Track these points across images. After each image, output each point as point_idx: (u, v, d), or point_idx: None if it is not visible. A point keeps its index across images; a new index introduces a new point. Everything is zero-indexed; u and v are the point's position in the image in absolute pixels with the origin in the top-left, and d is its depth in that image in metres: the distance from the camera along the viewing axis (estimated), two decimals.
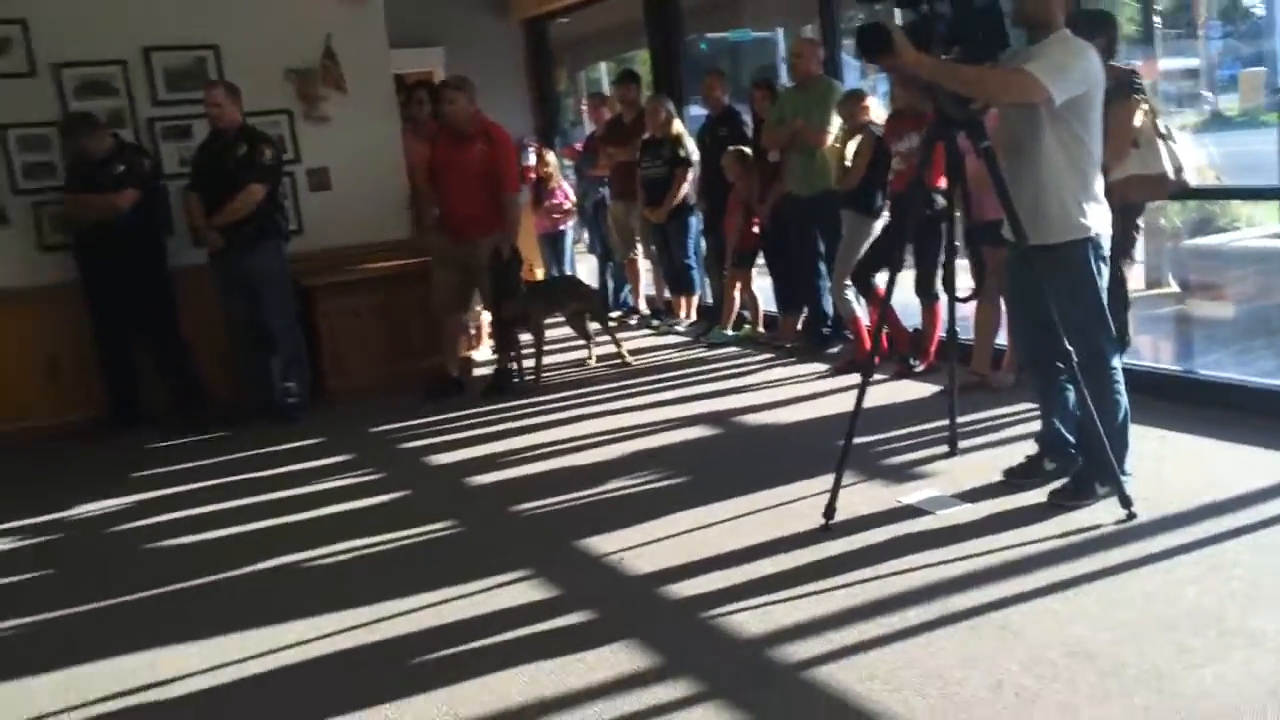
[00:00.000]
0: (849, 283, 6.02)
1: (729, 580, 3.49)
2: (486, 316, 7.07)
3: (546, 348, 6.66)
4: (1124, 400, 3.79)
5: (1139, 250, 5.30)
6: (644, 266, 8.38)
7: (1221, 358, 5.85)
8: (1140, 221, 4.82)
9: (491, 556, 3.89)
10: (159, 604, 3.82)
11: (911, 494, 4.08)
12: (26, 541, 4.61)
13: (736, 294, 7.24)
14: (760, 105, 6.86)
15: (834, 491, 3.81)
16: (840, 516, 3.81)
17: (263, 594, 3.82)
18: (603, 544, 3.90)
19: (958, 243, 4.59)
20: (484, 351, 7.31)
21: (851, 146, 5.99)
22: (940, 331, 5.64)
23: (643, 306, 8.47)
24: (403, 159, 7.04)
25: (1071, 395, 3.85)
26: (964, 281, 4.58)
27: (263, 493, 4.93)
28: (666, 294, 8.15)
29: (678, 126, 7.48)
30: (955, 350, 4.46)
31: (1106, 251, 3.75)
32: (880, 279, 5.64)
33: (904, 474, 4.34)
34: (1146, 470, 3.92)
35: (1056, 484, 3.89)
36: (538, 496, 4.53)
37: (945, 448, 4.45)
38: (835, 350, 6.52)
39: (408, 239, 7.03)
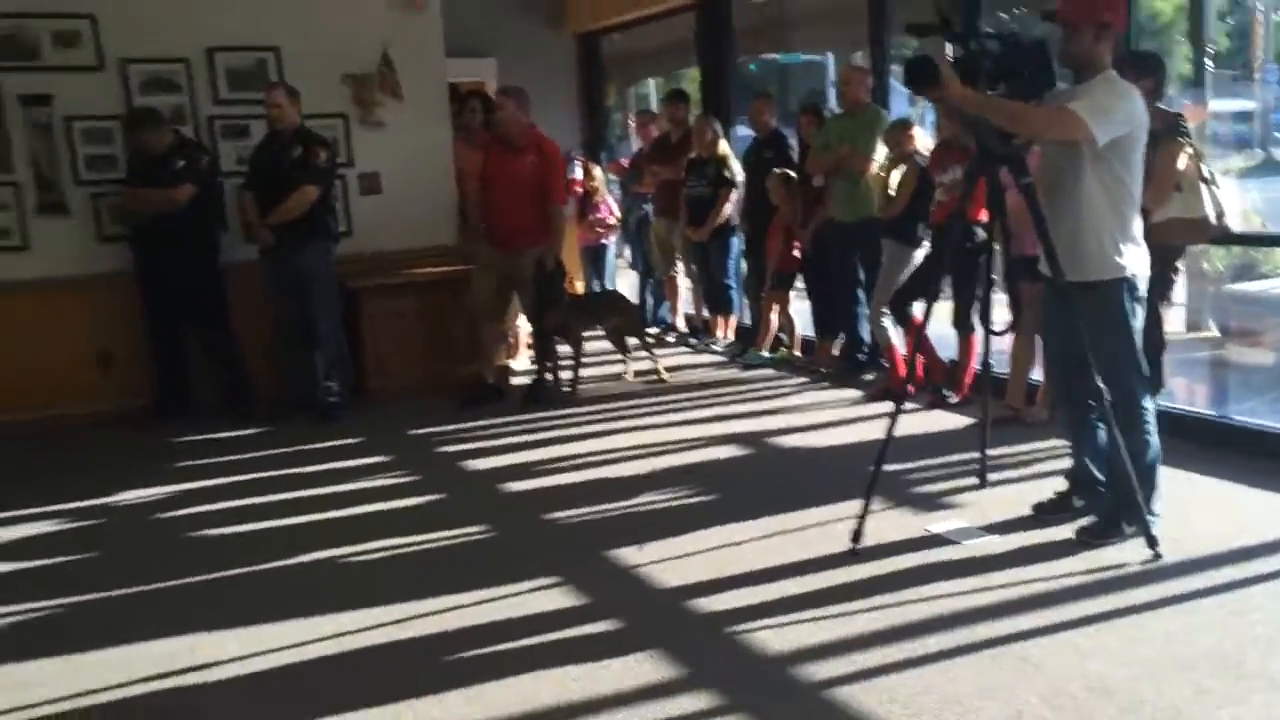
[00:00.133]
0: (886, 310, 6.07)
1: (755, 597, 3.55)
2: (526, 326, 7.17)
3: (584, 360, 6.75)
4: (1154, 441, 3.82)
5: (1178, 293, 5.33)
6: (684, 284, 8.47)
7: (1257, 405, 5.84)
8: (1180, 264, 4.86)
9: (524, 562, 3.97)
10: (198, 591, 3.93)
11: (939, 523, 4.13)
12: (72, 525, 4.73)
13: (774, 316, 7.30)
14: (807, 130, 6.93)
15: (862, 516, 3.88)
16: (867, 541, 3.87)
17: (300, 587, 3.92)
18: (633, 555, 3.98)
19: (995, 276, 4.65)
20: (522, 361, 7.40)
21: (896, 175, 6.04)
22: (975, 364, 5.68)
23: (680, 324, 8.55)
24: (452, 166, 7.17)
25: (1103, 433, 3.89)
26: (1000, 315, 4.62)
27: (302, 488, 5.04)
28: (705, 313, 8.22)
29: (724, 147, 7.56)
30: (989, 383, 4.50)
31: (1142, 292, 3.79)
32: (917, 308, 5.69)
33: (933, 503, 4.39)
34: (1175, 512, 3.94)
35: (1084, 521, 3.92)
36: (571, 506, 4.62)
37: (975, 479, 4.49)
38: (870, 377, 6.57)
39: (454, 245, 7.16)
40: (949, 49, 3.75)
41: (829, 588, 3.60)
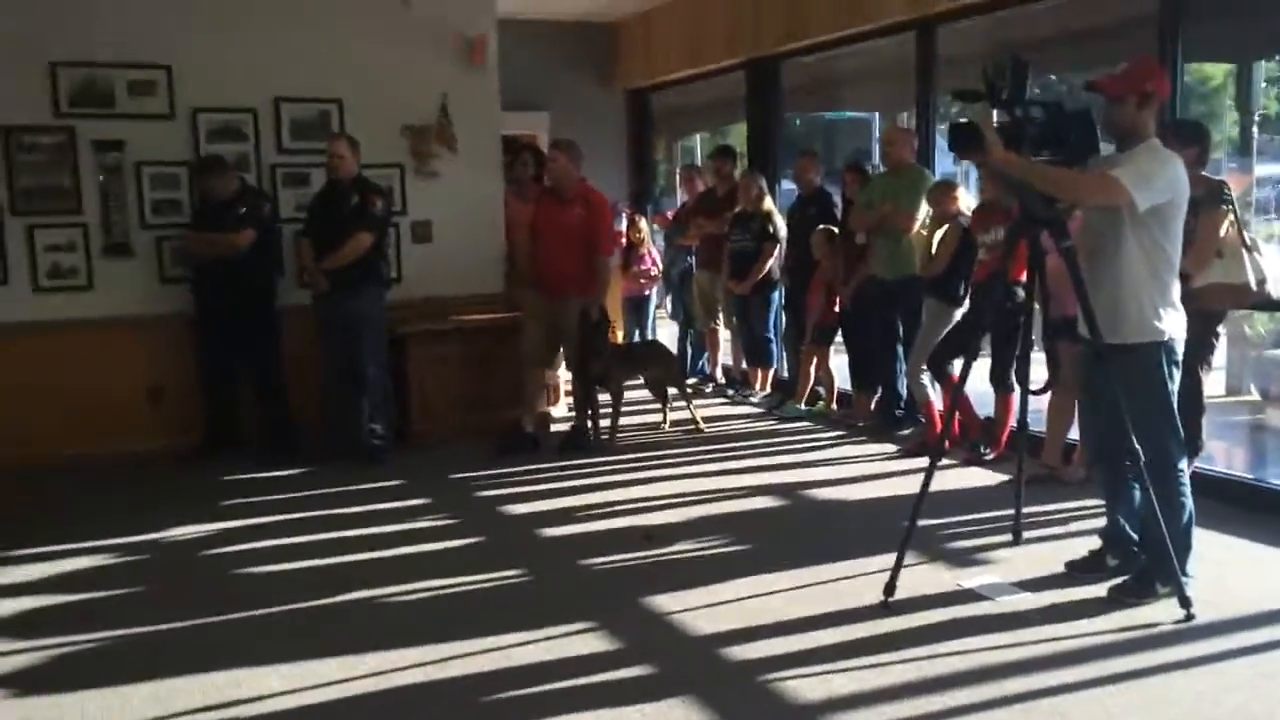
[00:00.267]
0: (925, 367, 6.12)
1: (789, 646, 3.61)
2: (565, 374, 7.28)
3: (623, 409, 6.85)
4: (1189, 503, 3.85)
5: (1219, 357, 5.34)
6: (724, 336, 8.57)
7: None
8: (1221, 329, 4.88)
9: (560, 606, 4.05)
10: (242, 626, 4.01)
11: (972, 579, 4.16)
12: (120, 560, 4.82)
13: (813, 370, 7.37)
14: (851, 188, 7.05)
15: (895, 570, 3.92)
16: (901, 595, 3.91)
17: (341, 625, 3.99)
18: (668, 602, 4.04)
19: (1034, 336, 4.70)
20: (561, 408, 7.51)
21: (939, 235, 6.12)
22: (1012, 422, 5.70)
23: (719, 375, 8.64)
24: (502, 217, 7.36)
25: (1138, 493, 3.92)
26: (1038, 374, 4.67)
27: (344, 528, 5.13)
28: (744, 365, 8.31)
29: (769, 203, 7.70)
30: (1025, 441, 4.55)
31: (1180, 356, 3.84)
32: (956, 366, 5.74)
33: (966, 559, 4.42)
34: (1209, 574, 3.95)
35: (1118, 580, 3.94)
36: (607, 552, 4.69)
37: (1009, 536, 4.52)
38: (906, 432, 6.61)
39: (500, 294, 7.32)
40: (994, 115, 3.84)
41: (861, 639, 3.64)
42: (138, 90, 6.50)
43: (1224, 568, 4.14)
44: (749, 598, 4.06)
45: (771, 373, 8.06)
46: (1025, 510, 4.54)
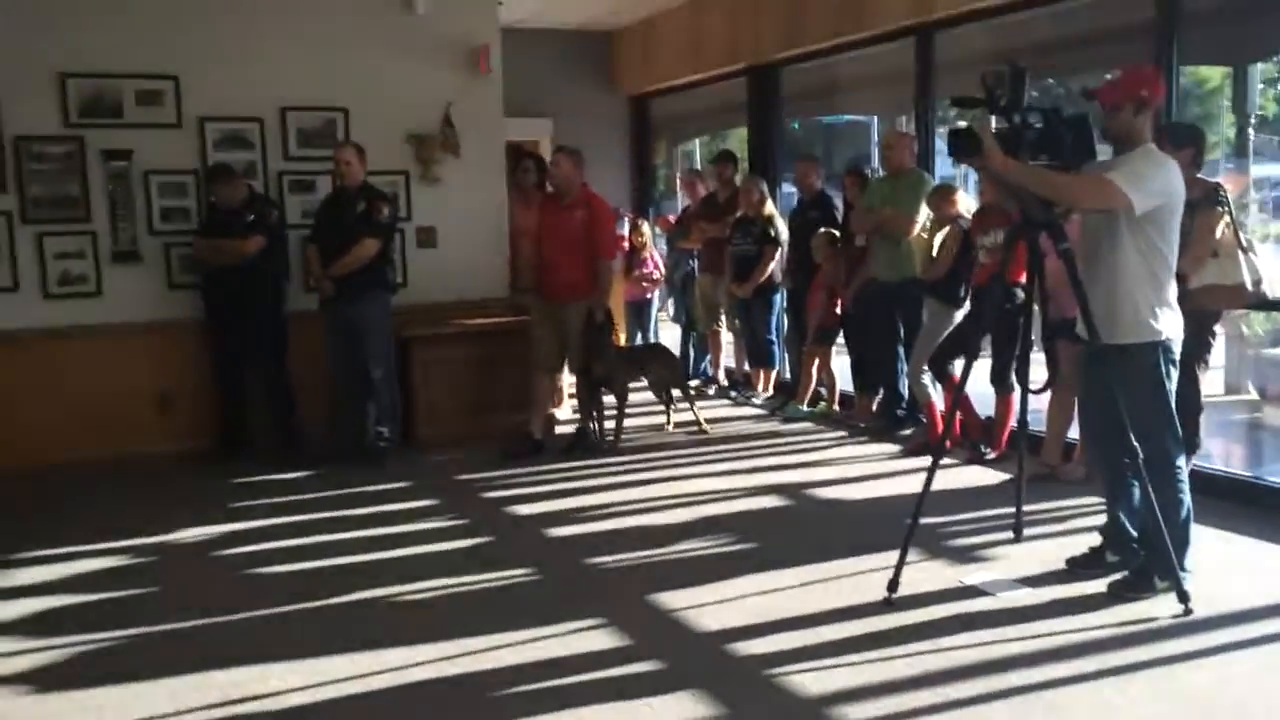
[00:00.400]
0: (926, 368, 6.19)
1: (793, 642, 3.67)
2: (568, 377, 7.34)
3: (626, 411, 6.91)
4: (1187, 500, 3.91)
5: (1217, 356, 5.41)
6: (726, 339, 8.63)
7: None
8: (1218, 328, 4.94)
9: (568, 604, 4.11)
10: (256, 625, 4.07)
11: (974, 575, 4.23)
12: (134, 560, 4.88)
13: (814, 371, 7.44)
14: (852, 193, 7.12)
15: (898, 567, 3.98)
16: (903, 591, 3.98)
17: (353, 623, 4.05)
18: (673, 600, 4.10)
19: (1034, 337, 4.76)
20: (565, 411, 7.57)
21: (939, 237, 6.18)
22: (1013, 421, 5.76)
23: (722, 378, 8.70)
24: (506, 223, 7.43)
25: (1137, 491, 3.98)
26: (1038, 375, 4.73)
27: (353, 529, 5.20)
28: (746, 367, 8.38)
29: (770, 207, 7.77)
30: (1025, 440, 4.61)
31: (1177, 356, 3.91)
32: (957, 366, 5.81)
33: (968, 556, 4.48)
34: (1207, 569, 4.02)
35: (1117, 575, 4.01)
36: (613, 551, 4.75)
37: (1010, 534, 4.58)
38: (908, 432, 6.67)
39: (504, 298, 7.39)
40: (993, 120, 3.91)
41: (865, 634, 3.71)
42: (146, 100, 6.58)
43: (1222, 563, 4.21)
44: (754, 595, 4.12)
45: (774, 374, 8.13)
46: (1026, 508, 4.60)
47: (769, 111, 8.72)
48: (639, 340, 8.90)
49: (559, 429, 7.14)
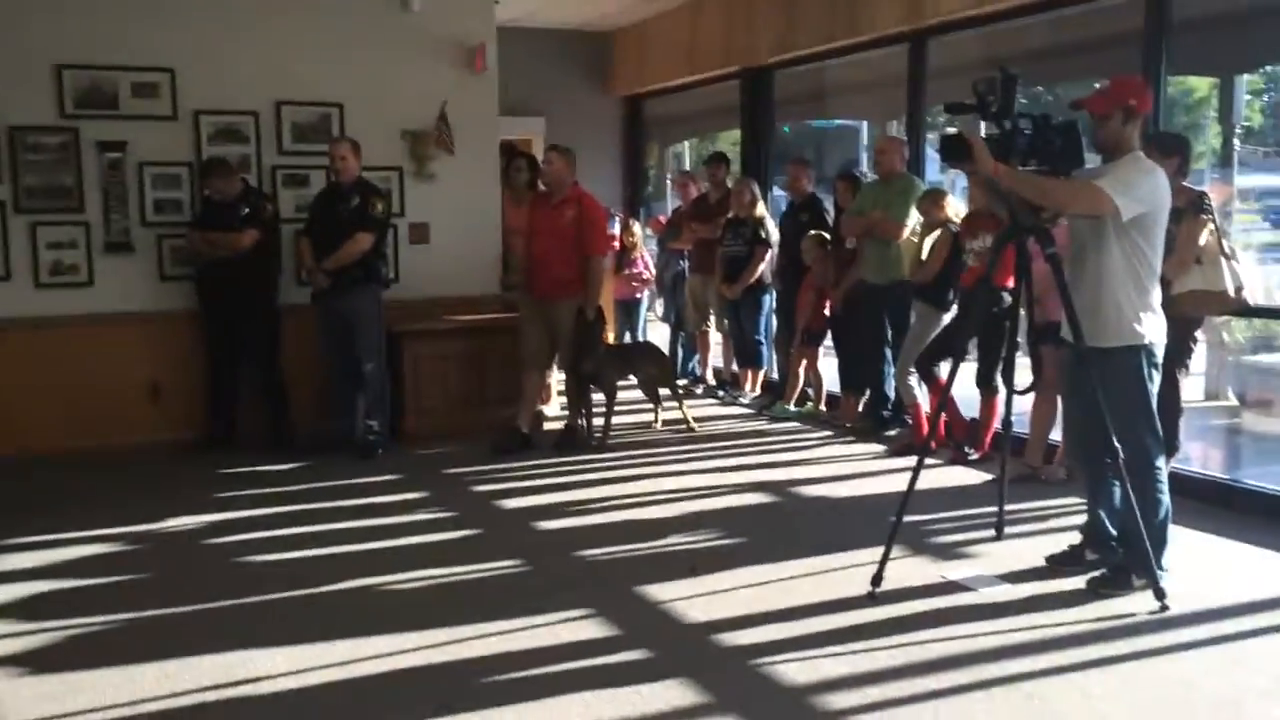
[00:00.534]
0: (913, 369, 6.26)
1: (778, 633, 3.73)
2: (557, 373, 7.38)
3: (615, 408, 6.96)
4: (1166, 500, 3.99)
5: (1198, 361, 5.50)
6: (715, 339, 8.69)
7: (1270, 471, 5.97)
8: (1199, 334, 5.02)
9: (555, 595, 4.15)
10: (246, 611, 4.10)
11: (956, 571, 4.30)
12: (124, 548, 4.90)
13: (802, 371, 7.51)
14: (843, 196, 7.17)
15: (882, 562, 4.05)
16: (887, 586, 4.04)
17: (341, 611, 4.09)
18: (661, 592, 4.16)
19: (1020, 339, 4.83)
20: (553, 407, 7.61)
21: (929, 241, 6.26)
22: (997, 423, 5.83)
23: (710, 377, 8.76)
24: (498, 220, 7.48)
25: (1117, 491, 4.05)
26: (1023, 377, 4.80)
27: (342, 520, 5.22)
28: (734, 366, 8.44)
29: (761, 209, 7.83)
30: (1008, 440, 4.68)
31: (1159, 360, 3.98)
32: (943, 368, 5.88)
33: (950, 552, 4.55)
34: (1185, 568, 4.10)
35: (1096, 573, 4.08)
36: (601, 544, 4.80)
37: (992, 532, 4.65)
38: (893, 433, 6.74)
39: (495, 295, 7.44)
40: (983, 126, 3.98)
41: (849, 626, 3.77)
42: (141, 92, 6.61)
43: (1199, 563, 4.30)
44: (740, 588, 4.18)
45: (761, 374, 8.19)
46: (1008, 507, 4.66)
47: (762, 115, 8.79)
48: (628, 339, 8.96)
49: (547, 425, 7.19)
